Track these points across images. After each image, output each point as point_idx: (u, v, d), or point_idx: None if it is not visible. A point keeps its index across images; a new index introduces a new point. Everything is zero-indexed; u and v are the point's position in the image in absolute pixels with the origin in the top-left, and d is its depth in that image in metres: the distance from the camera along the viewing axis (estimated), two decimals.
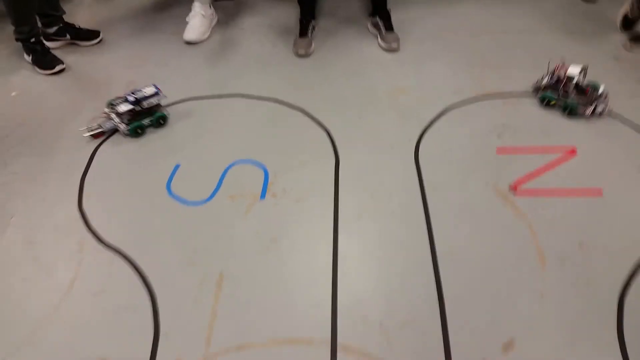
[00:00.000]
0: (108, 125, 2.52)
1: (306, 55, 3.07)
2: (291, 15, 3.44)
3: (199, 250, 2.03)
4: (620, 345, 1.69)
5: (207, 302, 1.85)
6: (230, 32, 3.39)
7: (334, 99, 2.76)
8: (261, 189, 2.27)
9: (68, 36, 3.21)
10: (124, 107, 2.48)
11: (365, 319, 1.79)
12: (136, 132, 2.53)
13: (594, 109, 2.48)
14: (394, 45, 3.07)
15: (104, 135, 2.54)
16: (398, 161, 2.38)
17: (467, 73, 2.90)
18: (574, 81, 2.48)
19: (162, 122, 2.60)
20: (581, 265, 1.92)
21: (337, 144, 2.48)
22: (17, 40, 2.98)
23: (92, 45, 3.27)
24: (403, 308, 1.82)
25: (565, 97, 2.53)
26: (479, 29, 3.28)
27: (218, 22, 3.45)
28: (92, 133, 2.51)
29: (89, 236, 2.10)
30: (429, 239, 2.03)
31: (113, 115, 2.52)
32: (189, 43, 3.26)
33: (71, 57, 3.15)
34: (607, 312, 1.78)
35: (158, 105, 2.58)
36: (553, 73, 2.58)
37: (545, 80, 2.60)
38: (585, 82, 2.52)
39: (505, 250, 1.98)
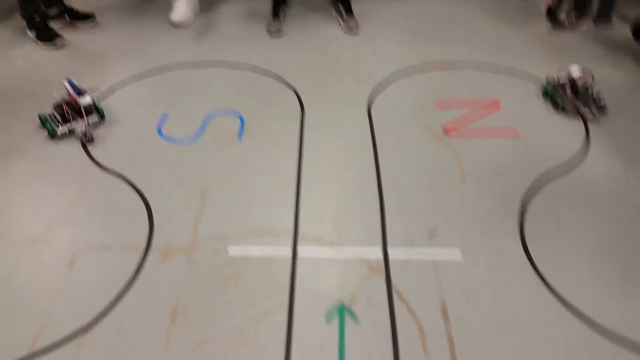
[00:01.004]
0: (81, 128, 2.59)
1: (278, 34, 3.55)
2: (265, 3, 3.91)
3: (186, 174, 2.45)
4: (520, 232, 2.16)
5: (194, 208, 2.27)
6: (211, 16, 3.86)
7: (302, 68, 3.23)
8: (238, 131, 2.71)
9: (67, 17, 3.62)
10: (88, 99, 2.60)
11: (321, 217, 2.23)
12: (104, 113, 2.70)
13: (580, 110, 2.74)
14: (354, 27, 3.56)
15: (94, 136, 2.61)
16: (354, 113, 2.85)
17: (415, 48, 3.41)
18: (569, 79, 2.79)
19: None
20: (496, 181, 2.40)
21: (303, 100, 2.95)
22: (22, 17, 3.38)
23: (89, 26, 3.68)
24: (351, 210, 2.26)
25: (563, 94, 2.79)
26: (427, 17, 3.81)
27: (200, 9, 3.89)
28: (89, 143, 2.59)
29: (91, 164, 2.51)
30: (376, 165, 2.49)
31: (75, 120, 2.61)
32: (175, 25, 3.70)
33: (70, 35, 3.57)
34: (512, 210, 2.25)
35: None
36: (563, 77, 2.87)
37: (558, 79, 2.88)
38: (594, 91, 2.79)
39: (435, 171, 2.46)
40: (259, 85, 3.08)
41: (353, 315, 1.86)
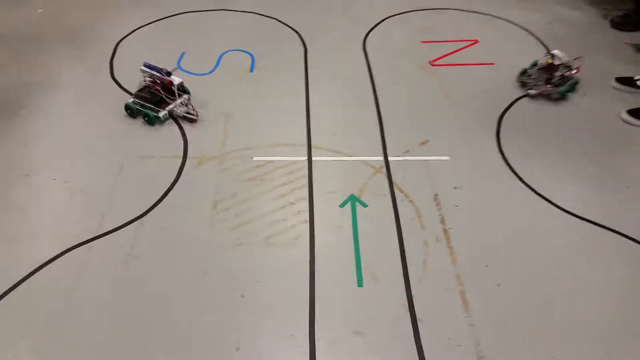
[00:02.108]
0: (183, 109, 2.65)
1: None
2: None
3: (208, 100, 2.80)
4: (497, 139, 2.58)
5: (220, 127, 2.64)
6: None
7: (300, 13, 3.57)
8: (250, 65, 3.07)
9: None
10: (179, 79, 2.62)
11: (329, 132, 2.62)
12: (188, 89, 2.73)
13: (530, 88, 2.81)
14: None
15: (196, 117, 2.63)
16: (351, 48, 3.22)
17: None
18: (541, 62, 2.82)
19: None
20: (476, 101, 2.81)
21: (305, 39, 3.30)
22: None
23: None
24: (354, 127, 2.66)
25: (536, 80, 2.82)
26: None
27: None
28: (190, 121, 2.63)
29: (123, 93, 2.84)
30: (373, 91, 2.88)
31: (177, 100, 2.65)
32: None
33: None
34: (491, 122, 2.67)
35: None
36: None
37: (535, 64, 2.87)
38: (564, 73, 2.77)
39: (424, 95, 2.86)
40: (264, 27, 3.43)
41: (362, 203, 2.27)
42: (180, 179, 2.36)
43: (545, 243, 2.12)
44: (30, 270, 1.99)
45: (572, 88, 2.82)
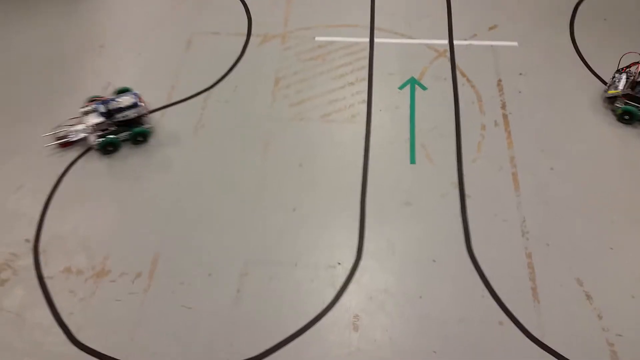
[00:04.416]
0: (76, 136, 2.13)
1: None
2: None
3: None
4: (570, 28, 2.45)
5: (282, 6, 2.64)
6: None
7: None
8: None
9: None
10: (92, 119, 2.10)
11: (392, 14, 2.57)
12: (106, 149, 2.12)
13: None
14: None
15: (71, 145, 2.13)
16: None
17: None
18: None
19: (140, 139, 2.16)
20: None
21: None
22: None
23: None
24: (420, 9, 2.59)
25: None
26: None
27: None
28: (59, 142, 2.12)
29: None
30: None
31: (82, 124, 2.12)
32: None
33: None
34: (566, 10, 2.53)
35: (139, 118, 2.14)
36: (628, 72, 2.13)
37: (622, 84, 2.13)
38: None
39: None
40: None
41: (422, 86, 2.27)
42: (244, 56, 2.43)
43: (607, 136, 2.07)
44: None
45: None
